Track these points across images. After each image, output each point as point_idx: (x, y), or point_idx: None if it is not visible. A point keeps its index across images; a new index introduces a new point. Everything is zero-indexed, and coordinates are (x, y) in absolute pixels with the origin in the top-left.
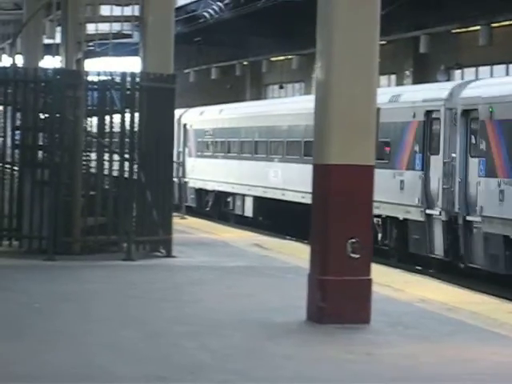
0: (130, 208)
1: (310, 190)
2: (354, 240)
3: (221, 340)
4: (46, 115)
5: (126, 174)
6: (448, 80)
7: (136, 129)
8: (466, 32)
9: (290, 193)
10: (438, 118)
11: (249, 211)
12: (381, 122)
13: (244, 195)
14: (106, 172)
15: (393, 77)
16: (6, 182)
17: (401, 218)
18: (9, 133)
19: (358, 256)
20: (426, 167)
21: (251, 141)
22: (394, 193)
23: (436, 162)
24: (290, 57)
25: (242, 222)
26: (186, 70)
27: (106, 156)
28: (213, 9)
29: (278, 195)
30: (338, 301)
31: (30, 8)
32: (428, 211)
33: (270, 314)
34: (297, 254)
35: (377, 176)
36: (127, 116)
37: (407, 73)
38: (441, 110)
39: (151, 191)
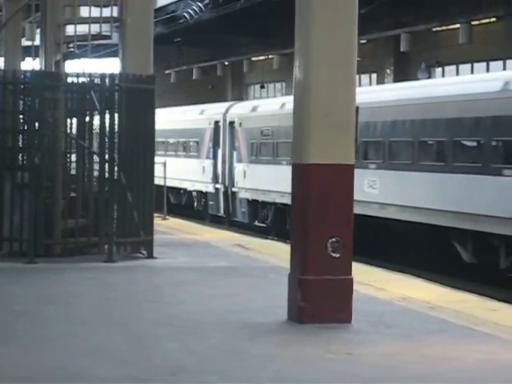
0: (111, 209)
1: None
2: (334, 239)
3: (202, 341)
4: (26, 117)
5: (107, 176)
6: (429, 78)
7: (116, 130)
8: (446, 30)
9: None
10: (220, 126)
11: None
12: (192, 128)
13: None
14: (86, 174)
15: (374, 75)
16: None
17: (204, 191)
18: None
19: (338, 255)
20: (215, 157)
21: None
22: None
23: (219, 153)
24: (270, 56)
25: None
26: (167, 71)
27: (87, 158)
28: (192, 9)
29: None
30: (318, 300)
31: (8, 10)
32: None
33: (251, 315)
34: (278, 253)
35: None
36: (107, 117)
37: (388, 71)
38: (221, 120)
39: (132, 192)
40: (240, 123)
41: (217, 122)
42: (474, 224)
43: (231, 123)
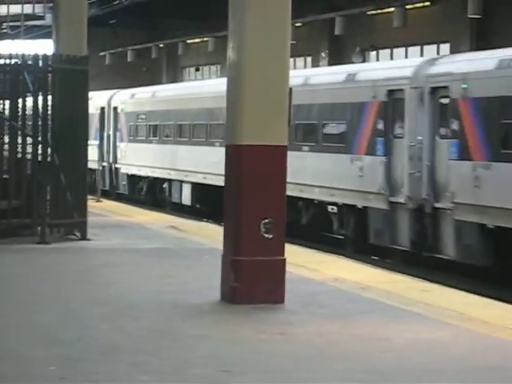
0: (44, 191)
1: None
2: (267, 220)
3: (135, 322)
4: None
5: (40, 157)
6: (363, 61)
7: (49, 111)
8: (380, 14)
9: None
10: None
11: None
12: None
13: None
14: (19, 155)
15: (309, 59)
16: None
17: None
18: None
19: (271, 236)
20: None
21: None
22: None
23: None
24: (205, 39)
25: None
26: (102, 53)
27: (20, 139)
28: None
29: None
30: (251, 281)
31: None
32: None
33: (184, 296)
34: (213, 235)
35: None
36: (40, 98)
37: (323, 55)
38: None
39: (65, 174)
40: (122, 108)
41: (102, 108)
42: None
43: (115, 108)
